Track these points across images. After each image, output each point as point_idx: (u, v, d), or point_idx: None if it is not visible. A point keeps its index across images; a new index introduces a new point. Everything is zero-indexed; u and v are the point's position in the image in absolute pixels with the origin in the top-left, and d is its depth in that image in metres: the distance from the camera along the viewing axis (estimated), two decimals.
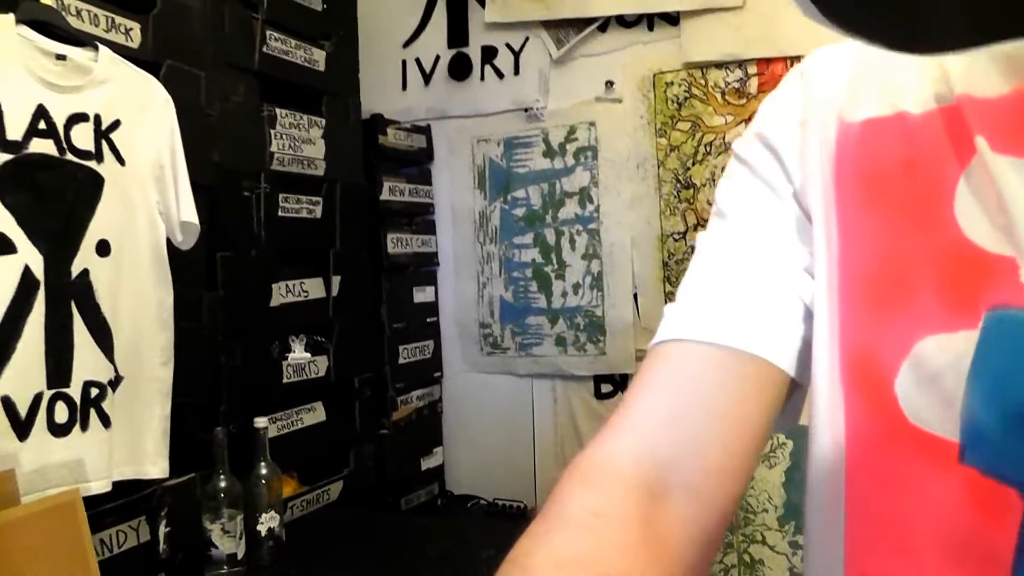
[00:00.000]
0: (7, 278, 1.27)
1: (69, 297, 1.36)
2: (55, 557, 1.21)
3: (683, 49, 2.26)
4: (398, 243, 2.40)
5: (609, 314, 2.37)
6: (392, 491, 2.34)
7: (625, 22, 2.33)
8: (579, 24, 2.36)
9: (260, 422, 1.71)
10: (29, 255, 1.30)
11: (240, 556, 1.61)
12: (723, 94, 2.23)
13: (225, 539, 1.59)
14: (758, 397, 0.54)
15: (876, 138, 0.52)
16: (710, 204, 2.23)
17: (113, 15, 1.52)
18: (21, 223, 1.29)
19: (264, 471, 1.70)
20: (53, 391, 1.33)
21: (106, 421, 1.41)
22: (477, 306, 2.55)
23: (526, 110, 2.45)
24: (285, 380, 1.95)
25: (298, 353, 1.99)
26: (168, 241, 1.53)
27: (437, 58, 2.57)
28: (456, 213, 2.58)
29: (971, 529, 0.44)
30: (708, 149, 2.25)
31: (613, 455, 0.52)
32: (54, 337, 1.33)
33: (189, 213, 1.54)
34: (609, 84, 2.36)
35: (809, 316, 0.54)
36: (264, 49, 1.91)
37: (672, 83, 2.29)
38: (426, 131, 2.57)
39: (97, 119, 1.41)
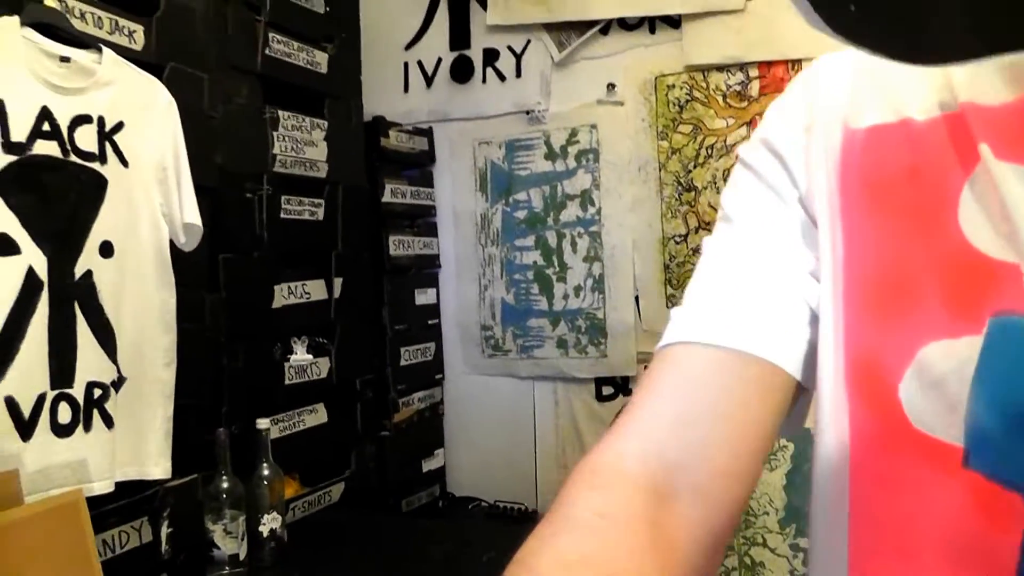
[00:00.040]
0: (11, 279, 1.28)
1: (72, 298, 1.37)
2: (58, 557, 1.21)
3: (684, 52, 2.26)
4: (400, 245, 2.40)
5: (610, 317, 2.38)
6: (393, 493, 2.34)
7: (627, 25, 2.34)
8: (581, 27, 2.37)
9: (262, 423, 1.72)
10: (33, 256, 1.31)
11: (242, 557, 1.62)
12: (724, 97, 2.24)
13: (227, 540, 1.59)
14: (764, 400, 0.54)
15: (880, 144, 0.52)
16: (711, 207, 2.26)
17: (117, 17, 1.52)
18: (25, 224, 1.30)
19: (266, 472, 1.71)
20: (56, 392, 1.33)
21: (109, 422, 1.41)
22: (478, 308, 2.56)
23: (528, 112, 2.45)
24: (287, 381, 1.95)
25: (300, 355, 1.99)
26: (171, 242, 1.54)
27: (439, 60, 2.57)
28: (458, 215, 2.58)
29: (975, 534, 0.44)
30: (709, 152, 2.26)
31: (620, 457, 0.52)
32: (57, 338, 1.34)
33: (192, 215, 1.54)
34: (611, 87, 2.36)
35: (815, 320, 0.54)
36: (267, 51, 1.92)
37: (673, 86, 2.29)
38: (428, 133, 2.58)
39: (100, 121, 1.42)
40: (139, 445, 1.48)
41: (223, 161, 1.77)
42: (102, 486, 1.40)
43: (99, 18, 1.49)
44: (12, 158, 1.28)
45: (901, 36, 0.29)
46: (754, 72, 2.20)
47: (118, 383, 1.44)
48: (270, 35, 1.93)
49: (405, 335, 2.41)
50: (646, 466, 0.51)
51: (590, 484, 0.51)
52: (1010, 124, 0.46)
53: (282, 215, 1.95)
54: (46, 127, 1.33)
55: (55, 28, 1.36)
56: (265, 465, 1.71)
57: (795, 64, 2.15)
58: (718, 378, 0.54)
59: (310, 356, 2.02)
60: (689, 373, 0.55)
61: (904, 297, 0.49)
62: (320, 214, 2.08)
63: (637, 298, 2.35)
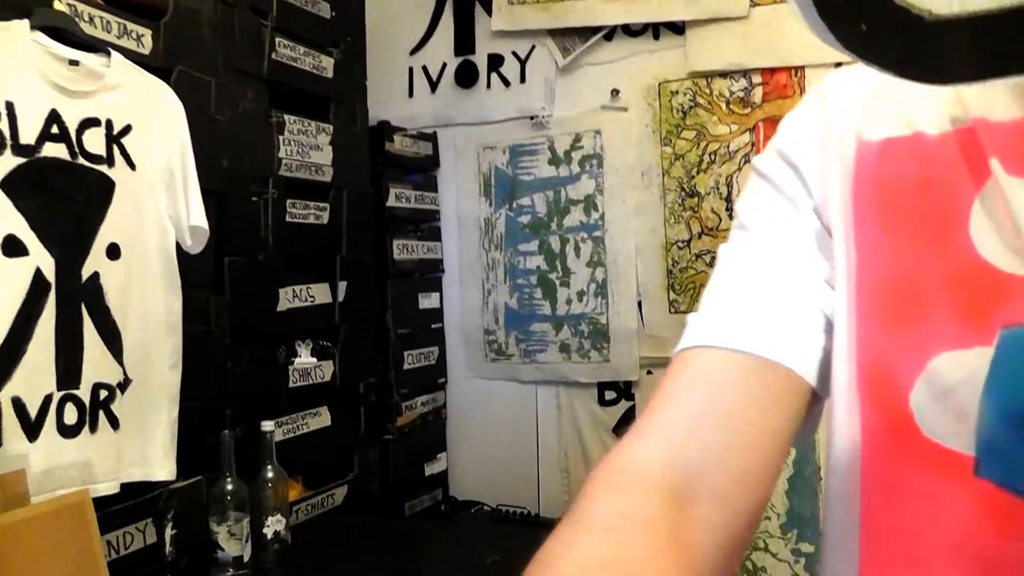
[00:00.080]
0: (19, 280, 1.29)
1: (79, 299, 1.37)
2: (65, 557, 1.22)
3: (688, 58, 2.27)
4: (404, 249, 2.41)
5: (613, 321, 2.38)
6: (396, 496, 2.34)
7: (631, 31, 2.35)
8: (585, 33, 2.38)
9: (267, 426, 1.72)
10: (40, 258, 1.32)
11: (246, 559, 1.62)
12: (728, 103, 2.24)
13: (231, 542, 1.60)
14: (781, 405, 0.54)
15: (893, 157, 0.53)
16: (714, 212, 2.26)
17: (125, 21, 1.53)
18: (33, 226, 1.31)
19: (270, 474, 1.71)
20: (63, 392, 1.34)
21: (115, 423, 1.42)
22: (482, 313, 2.56)
23: (532, 118, 2.46)
24: (291, 384, 1.96)
25: (304, 358, 2.00)
26: (177, 245, 1.55)
27: (444, 66, 2.58)
28: (461, 220, 2.59)
29: (985, 541, 0.45)
30: (712, 158, 2.26)
31: (639, 460, 0.52)
32: (64, 339, 1.35)
33: (198, 217, 1.55)
34: (615, 92, 2.37)
35: (829, 328, 0.55)
36: (273, 56, 1.93)
37: (677, 92, 2.30)
38: (432, 138, 2.59)
39: (109, 124, 1.43)
40: (144, 446, 1.49)
41: (229, 165, 1.78)
42: (107, 487, 1.41)
43: (107, 22, 1.50)
44: (21, 160, 1.29)
45: (910, 55, 0.30)
46: (757, 79, 2.21)
47: (124, 384, 1.44)
48: (276, 40, 1.94)
49: (408, 339, 2.42)
50: (665, 468, 0.51)
51: (609, 486, 0.51)
52: (1020, 140, 0.47)
53: (287, 219, 1.95)
54: (55, 130, 1.34)
55: (64, 32, 1.37)
56: (269, 467, 1.71)
57: (798, 71, 2.16)
58: (736, 381, 0.54)
59: (314, 359, 2.03)
60: (707, 376, 0.55)
61: (915, 307, 0.49)
62: (325, 218, 2.09)
63: (640, 303, 2.35)
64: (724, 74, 2.24)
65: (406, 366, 2.39)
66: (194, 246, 1.57)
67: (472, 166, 2.57)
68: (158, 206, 1.51)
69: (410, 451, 2.41)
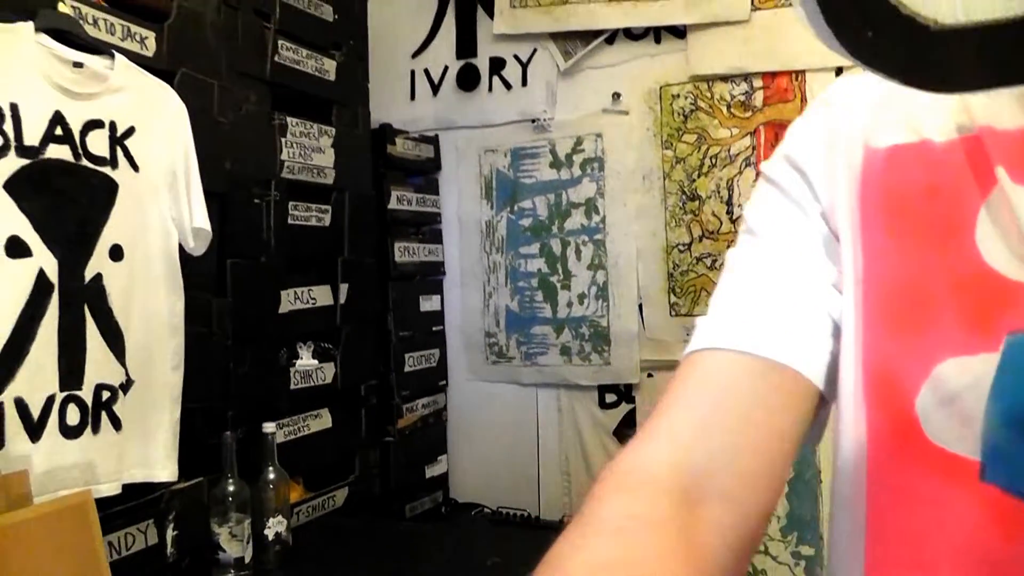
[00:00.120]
0: (22, 281, 1.29)
1: (82, 301, 1.38)
2: (67, 557, 1.22)
3: (689, 62, 2.28)
4: (405, 252, 2.41)
5: (614, 324, 2.38)
6: (397, 498, 2.34)
7: (632, 35, 2.36)
8: (587, 36, 2.39)
9: (268, 427, 1.72)
10: (44, 259, 1.32)
11: (247, 560, 1.62)
12: (729, 107, 2.25)
13: (232, 543, 1.60)
14: (789, 408, 0.54)
15: (900, 164, 0.53)
16: (715, 216, 2.27)
17: (129, 24, 1.54)
18: (36, 227, 1.31)
19: (272, 476, 1.71)
20: (65, 393, 1.34)
21: (117, 424, 1.42)
22: (483, 315, 2.57)
23: (533, 121, 2.47)
24: (292, 386, 1.96)
25: (306, 360, 2.00)
26: (179, 247, 1.55)
27: (445, 69, 2.59)
28: (463, 223, 2.60)
29: (991, 546, 0.45)
30: (713, 161, 2.27)
31: (649, 461, 0.53)
32: (67, 340, 1.35)
33: (201, 219, 1.56)
34: (616, 96, 2.38)
35: (837, 332, 0.55)
36: (276, 58, 1.94)
37: (678, 95, 2.31)
38: (434, 141, 2.59)
39: (112, 126, 1.43)
40: (146, 447, 1.49)
41: (232, 167, 1.78)
42: (109, 488, 1.41)
43: (111, 24, 1.51)
44: (25, 161, 1.29)
45: (916, 64, 0.30)
46: (758, 82, 2.21)
47: (126, 386, 1.45)
48: (279, 42, 1.95)
49: (409, 341, 2.42)
50: (674, 470, 0.51)
51: (619, 487, 0.51)
52: None
53: (289, 221, 1.96)
54: (59, 131, 1.35)
55: (68, 34, 1.37)
56: (271, 469, 1.72)
57: (799, 75, 2.16)
58: (744, 384, 0.54)
59: (315, 361, 2.04)
60: (716, 378, 0.55)
61: (921, 313, 0.50)
62: (327, 220, 2.09)
63: (641, 306, 2.36)
64: (725, 78, 2.24)
65: (407, 368, 2.40)
66: (197, 248, 1.57)
67: (473, 169, 2.57)
68: (161, 208, 1.52)
69: (411, 453, 2.41)
